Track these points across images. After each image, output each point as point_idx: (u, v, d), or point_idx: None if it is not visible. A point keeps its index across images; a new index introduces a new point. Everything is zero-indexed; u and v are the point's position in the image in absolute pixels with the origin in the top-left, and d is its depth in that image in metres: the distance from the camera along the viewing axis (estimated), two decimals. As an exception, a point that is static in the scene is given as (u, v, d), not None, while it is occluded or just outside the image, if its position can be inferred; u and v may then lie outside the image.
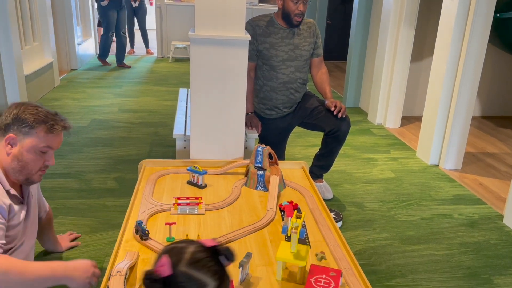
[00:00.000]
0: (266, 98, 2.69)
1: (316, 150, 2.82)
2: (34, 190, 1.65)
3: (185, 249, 0.94)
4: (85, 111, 4.45)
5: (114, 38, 6.67)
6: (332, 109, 2.55)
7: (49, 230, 1.97)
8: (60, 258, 2.05)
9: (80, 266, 1.35)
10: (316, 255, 1.49)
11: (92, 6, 7.38)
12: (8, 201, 1.40)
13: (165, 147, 3.61)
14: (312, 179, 2.20)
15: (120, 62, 6.72)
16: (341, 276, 1.30)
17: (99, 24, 8.23)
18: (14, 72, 4.16)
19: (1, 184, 1.40)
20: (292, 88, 2.66)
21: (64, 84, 5.53)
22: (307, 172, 2.22)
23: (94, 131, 3.89)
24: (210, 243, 0.97)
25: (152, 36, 8.27)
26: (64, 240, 2.12)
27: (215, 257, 0.95)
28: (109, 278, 1.27)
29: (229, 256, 0.97)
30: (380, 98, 4.36)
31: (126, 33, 6.83)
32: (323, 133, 2.68)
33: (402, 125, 4.41)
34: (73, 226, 2.34)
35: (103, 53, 6.68)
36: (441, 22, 3.32)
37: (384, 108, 4.38)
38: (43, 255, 2.05)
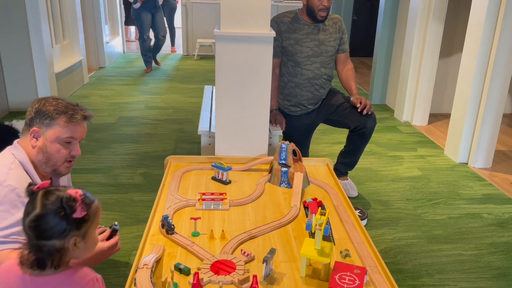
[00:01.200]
0: (291, 94, 2.68)
1: (341, 147, 2.80)
2: (65, 182, 1.69)
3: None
4: (113, 108, 4.55)
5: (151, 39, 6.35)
6: (358, 105, 2.52)
7: None
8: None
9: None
10: (341, 252, 1.49)
11: (120, 5, 7.51)
12: None
13: (190, 143, 3.66)
14: (337, 176, 2.19)
15: (153, 57, 6.57)
16: (366, 274, 1.29)
17: (126, 23, 8.38)
18: (45, 70, 4.29)
19: (31, 178, 1.44)
20: (317, 84, 2.65)
21: (93, 82, 5.66)
22: (332, 169, 2.21)
23: (122, 127, 3.97)
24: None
25: (177, 34, 8.36)
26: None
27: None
28: (136, 271, 1.30)
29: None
30: (407, 95, 4.28)
31: (167, 36, 6.48)
32: (348, 130, 2.65)
33: (429, 122, 4.32)
34: (101, 221, 2.40)
35: (146, 61, 6.38)
36: (471, 17, 3.23)
37: (411, 105, 4.30)
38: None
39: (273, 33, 2.16)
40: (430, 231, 2.42)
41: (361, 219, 2.42)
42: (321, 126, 2.91)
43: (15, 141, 1.50)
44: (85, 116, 1.51)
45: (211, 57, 7.55)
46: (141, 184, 2.87)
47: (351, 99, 2.59)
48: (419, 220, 2.54)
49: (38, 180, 1.46)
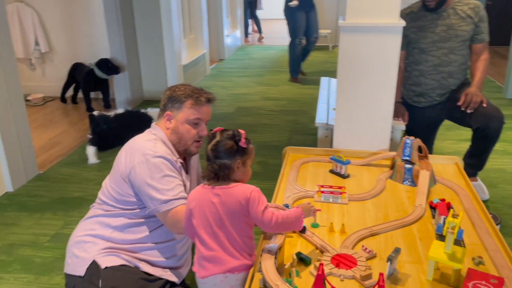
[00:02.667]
0: (415, 83, 2.56)
1: (469, 144, 2.57)
2: (195, 164, 1.84)
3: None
4: (232, 99, 4.78)
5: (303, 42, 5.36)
6: (461, 101, 2.30)
7: None
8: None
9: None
10: (473, 259, 1.38)
11: (239, -1, 7.80)
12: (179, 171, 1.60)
13: (304, 135, 3.68)
14: (464, 177, 2.02)
15: (294, 74, 5.46)
16: (503, 285, 1.18)
17: (252, 16, 8.70)
18: (174, 62, 4.67)
19: (173, 154, 1.60)
20: (445, 72, 2.47)
21: (214, 73, 6.00)
22: (462, 168, 2.04)
23: (240, 117, 4.16)
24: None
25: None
26: None
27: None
28: (261, 256, 1.35)
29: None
30: (553, 89, 3.75)
31: (317, 37, 5.49)
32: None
33: None
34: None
35: (293, 69, 5.46)
36: None
37: (557, 101, 3.76)
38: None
39: (402, 23, 2.06)
40: None
41: (493, 225, 2.20)
42: (446, 121, 2.70)
43: (153, 124, 1.67)
44: (208, 98, 1.63)
45: (326, 48, 7.47)
46: (259, 172, 2.97)
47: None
48: None
49: (177, 155, 1.61)
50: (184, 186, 1.59)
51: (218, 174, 1.36)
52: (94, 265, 1.48)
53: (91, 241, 1.55)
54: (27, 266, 2.12)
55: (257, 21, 8.88)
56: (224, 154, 1.35)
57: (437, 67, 2.48)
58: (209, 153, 1.37)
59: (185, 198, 1.49)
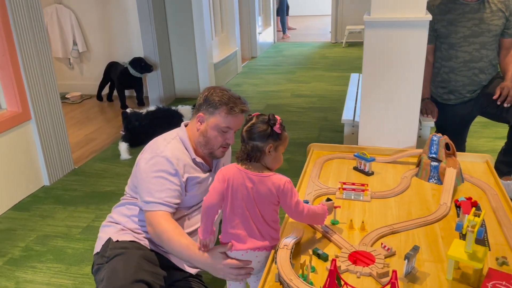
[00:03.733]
0: (445, 80, 2.47)
1: (505, 142, 2.47)
2: (227, 161, 1.86)
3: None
4: (262, 96, 4.79)
5: None
6: (496, 95, 2.21)
7: None
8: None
9: (219, 270, 1.40)
10: (497, 259, 1.33)
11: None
12: (188, 172, 1.62)
13: (333, 132, 3.65)
14: (498, 176, 1.94)
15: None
16: (526, 287, 1.13)
17: (278, 13, 8.70)
18: (206, 60, 4.74)
19: (189, 153, 1.64)
20: (476, 68, 2.38)
21: (245, 71, 6.04)
22: (492, 167, 1.97)
23: (269, 114, 4.16)
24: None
25: (327, 21, 8.37)
26: None
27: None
28: (276, 251, 1.36)
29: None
30: None
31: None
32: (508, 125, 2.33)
33: None
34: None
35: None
36: None
37: None
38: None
39: (429, 17, 2.00)
40: None
41: (527, 227, 2.11)
42: (481, 118, 2.60)
43: (183, 123, 1.71)
44: (243, 110, 1.64)
45: (360, 44, 7.35)
46: (285, 169, 2.97)
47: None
48: None
49: (194, 155, 1.65)
50: (199, 183, 1.63)
51: (250, 155, 1.41)
52: (108, 241, 1.59)
53: (111, 225, 1.66)
54: (59, 256, 2.22)
55: (282, 20, 8.87)
56: (257, 137, 1.40)
57: (468, 63, 2.39)
58: (244, 134, 1.42)
59: (168, 205, 1.52)
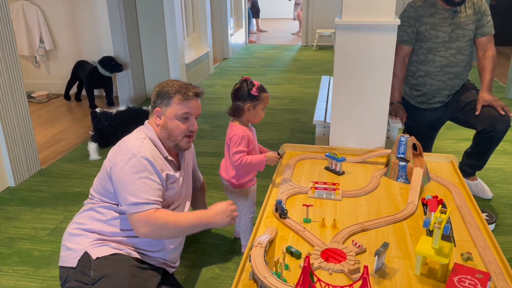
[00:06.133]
0: (420, 84, 2.51)
1: (469, 144, 2.56)
2: (190, 159, 1.86)
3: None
4: (234, 97, 4.80)
5: None
6: (477, 111, 2.30)
7: (202, 200, 2.19)
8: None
9: (219, 210, 1.59)
10: (462, 254, 1.39)
11: (244, -1, 7.83)
12: (165, 170, 1.61)
13: (304, 133, 3.70)
14: (463, 177, 2.01)
15: None
16: (489, 280, 1.19)
17: (255, 15, 8.73)
18: (177, 61, 4.70)
19: (160, 152, 1.61)
20: (452, 73, 2.44)
21: (217, 72, 6.03)
22: (457, 167, 2.05)
23: (241, 115, 4.17)
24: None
25: (294, 25, 8.47)
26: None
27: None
28: (251, 248, 1.38)
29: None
30: (555, 89, 3.73)
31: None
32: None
33: None
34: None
35: None
36: None
37: (560, 101, 3.75)
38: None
39: (397, 21, 2.07)
40: None
41: (488, 223, 2.20)
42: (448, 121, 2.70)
43: (146, 121, 1.69)
44: (196, 92, 1.64)
45: (330, 48, 7.47)
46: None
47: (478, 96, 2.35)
48: (561, 231, 2.22)
49: (166, 154, 1.63)
50: (173, 182, 1.62)
51: (234, 112, 1.88)
52: (85, 256, 1.50)
53: (83, 234, 1.57)
54: (25, 259, 2.15)
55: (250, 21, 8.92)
56: (238, 98, 1.86)
57: (445, 67, 2.42)
58: (231, 95, 1.90)
59: (156, 202, 1.50)
